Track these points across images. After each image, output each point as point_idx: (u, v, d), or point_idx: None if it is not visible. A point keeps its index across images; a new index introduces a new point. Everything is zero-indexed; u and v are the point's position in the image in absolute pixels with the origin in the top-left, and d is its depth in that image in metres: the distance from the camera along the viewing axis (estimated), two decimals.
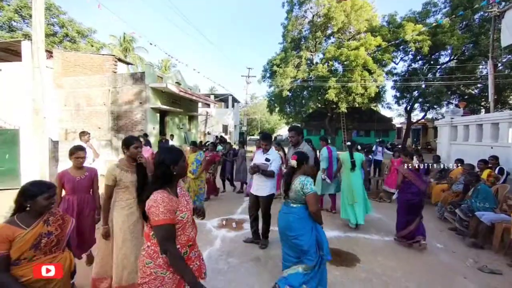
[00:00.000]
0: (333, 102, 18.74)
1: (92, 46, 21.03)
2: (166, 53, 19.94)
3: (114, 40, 25.05)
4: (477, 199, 4.16)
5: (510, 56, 15.16)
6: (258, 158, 3.64)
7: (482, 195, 4.15)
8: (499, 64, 15.90)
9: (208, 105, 22.08)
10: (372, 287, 2.72)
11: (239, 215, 4.99)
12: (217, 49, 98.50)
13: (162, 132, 11.51)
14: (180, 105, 12.96)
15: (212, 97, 23.39)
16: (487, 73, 10.97)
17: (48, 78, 9.89)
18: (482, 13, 15.41)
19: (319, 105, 22.38)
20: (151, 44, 9.10)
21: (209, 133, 20.09)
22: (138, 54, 25.52)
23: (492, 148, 6.39)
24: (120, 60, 12.48)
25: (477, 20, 17.12)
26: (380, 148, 7.97)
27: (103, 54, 13.96)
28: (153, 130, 10.81)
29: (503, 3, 11.63)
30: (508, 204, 4.14)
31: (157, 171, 1.45)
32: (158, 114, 11.37)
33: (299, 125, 4.44)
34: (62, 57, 11.70)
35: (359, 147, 5.04)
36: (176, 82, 13.29)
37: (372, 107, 23.35)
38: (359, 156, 4.63)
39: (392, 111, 26.16)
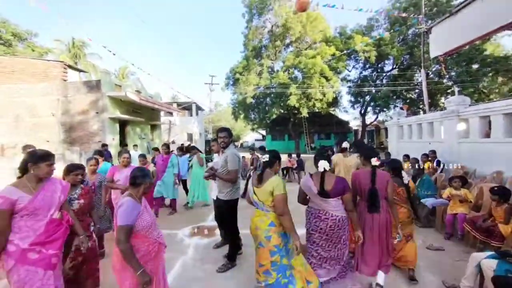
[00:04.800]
0: (295, 108, 19.70)
1: (34, 51, 18.91)
2: (126, 60, 18.37)
3: (60, 45, 22.80)
4: (422, 188, 4.80)
5: (438, 66, 17.78)
6: (216, 160, 3.62)
7: (426, 184, 4.81)
8: (430, 73, 18.53)
9: (171, 114, 21.35)
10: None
11: (210, 222, 4.88)
12: (176, 54, 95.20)
13: (122, 142, 10.81)
14: (141, 114, 12.34)
15: (175, 105, 22.62)
16: (421, 80, 12.72)
17: None
18: (414, 29, 17.91)
19: (282, 111, 23.27)
20: (105, 48, 8.52)
21: (173, 142, 19.35)
22: (91, 61, 23.62)
23: (430, 143, 7.41)
24: (70, 66, 11.46)
25: (410, 35, 19.85)
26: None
27: (48, 60, 12.63)
28: (112, 141, 10.10)
29: (430, 21, 13.68)
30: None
31: None
32: (117, 124, 10.66)
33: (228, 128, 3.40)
34: None
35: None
36: (136, 90, 12.66)
37: (330, 111, 25.09)
38: None
39: (349, 115, 28.62)
